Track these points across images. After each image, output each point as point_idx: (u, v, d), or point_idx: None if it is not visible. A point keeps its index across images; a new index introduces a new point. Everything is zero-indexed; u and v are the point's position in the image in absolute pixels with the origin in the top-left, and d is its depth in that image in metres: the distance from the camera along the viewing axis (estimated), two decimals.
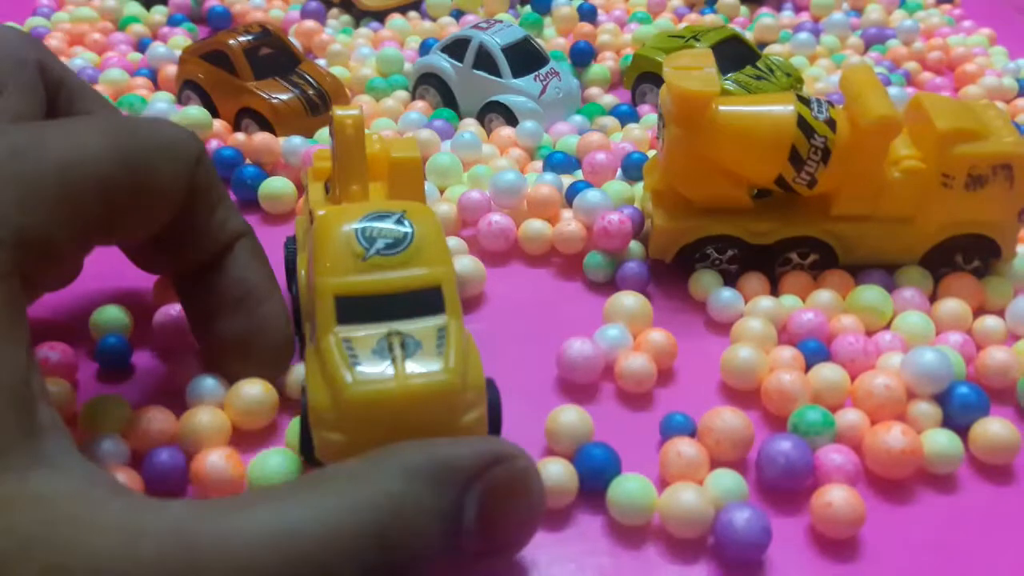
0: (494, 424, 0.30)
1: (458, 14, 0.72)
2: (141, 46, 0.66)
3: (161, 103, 0.54)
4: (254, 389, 0.34)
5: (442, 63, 0.57)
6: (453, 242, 0.44)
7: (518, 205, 0.46)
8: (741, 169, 0.41)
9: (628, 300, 0.40)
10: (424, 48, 0.63)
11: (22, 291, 0.26)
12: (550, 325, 0.41)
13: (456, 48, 0.57)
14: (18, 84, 0.33)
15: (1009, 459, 0.34)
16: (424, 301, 0.30)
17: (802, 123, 0.39)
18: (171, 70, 0.59)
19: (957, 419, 0.35)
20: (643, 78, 0.59)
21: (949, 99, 0.44)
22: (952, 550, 0.31)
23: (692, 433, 0.34)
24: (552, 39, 0.68)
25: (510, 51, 0.56)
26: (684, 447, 0.32)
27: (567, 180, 0.48)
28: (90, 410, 0.33)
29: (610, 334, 0.38)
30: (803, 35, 0.68)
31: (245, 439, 0.35)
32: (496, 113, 0.56)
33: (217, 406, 0.34)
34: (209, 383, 0.35)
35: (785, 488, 0.33)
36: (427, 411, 0.27)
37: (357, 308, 0.29)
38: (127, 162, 0.29)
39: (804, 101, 0.40)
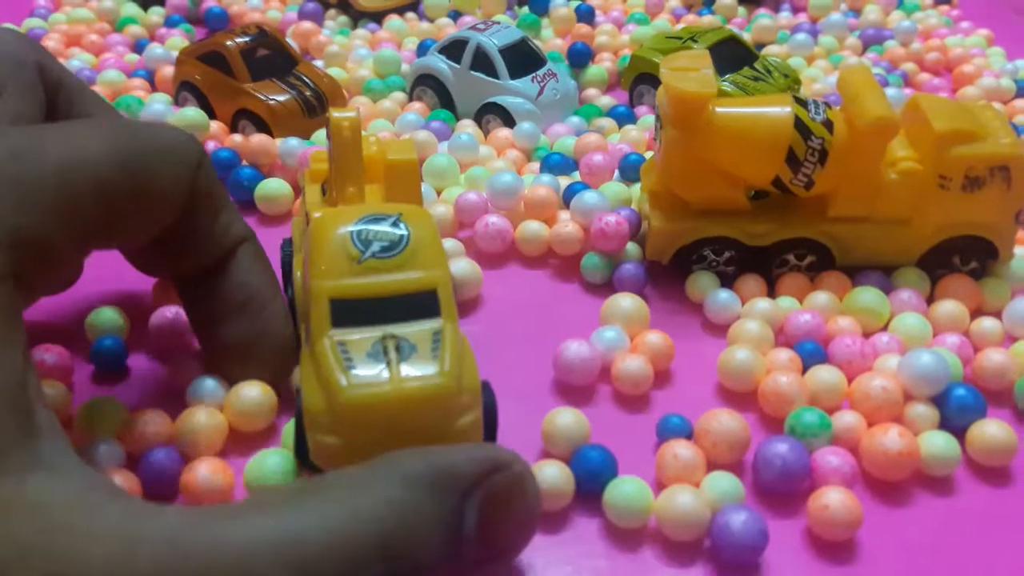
0: (490, 427, 0.30)
1: (456, 15, 0.72)
2: (138, 47, 0.66)
3: (158, 104, 0.54)
4: (253, 391, 0.34)
5: (439, 64, 0.57)
6: (450, 244, 0.44)
7: (515, 206, 0.46)
8: (738, 171, 0.41)
9: (625, 302, 0.40)
10: (421, 49, 0.63)
11: (18, 294, 0.26)
12: (547, 327, 0.41)
13: (453, 49, 0.57)
14: (17, 85, 0.33)
15: (1006, 461, 0.34)
16: (419, 304, 0.29)
17: (799, 125, 0.39)
18: (168, 71, 0.59)
19: (954, 421, 0.35)
20: (640, 79, 0.59)
21: (946, 100, 0.44)
22: (949, 552, 0.31)
23: (689, 435, 0.34)
24: (550, 40, 0.68)
25: (507, 52, 0.56)
26: (681, 449, 0.32)
27: (564, 181, 0.48)
28: (86, 412, 0.33)
29: (607, 336, 0.38)
30: (801, 36, 0.68)
31: (244, 441, 0.35)
32: (493, 114, 0.56)
33: (217, 407, 0.34)
34: (210, 385, 0.35)
35: (782, 490, 0.33)
36: (422, 414, 0.27)
37: (352, 311, 0.29)
38: (126, 165, 0.29)
39: (801, 103, 0.40)
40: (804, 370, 0.37)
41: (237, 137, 0.52)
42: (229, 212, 0.34)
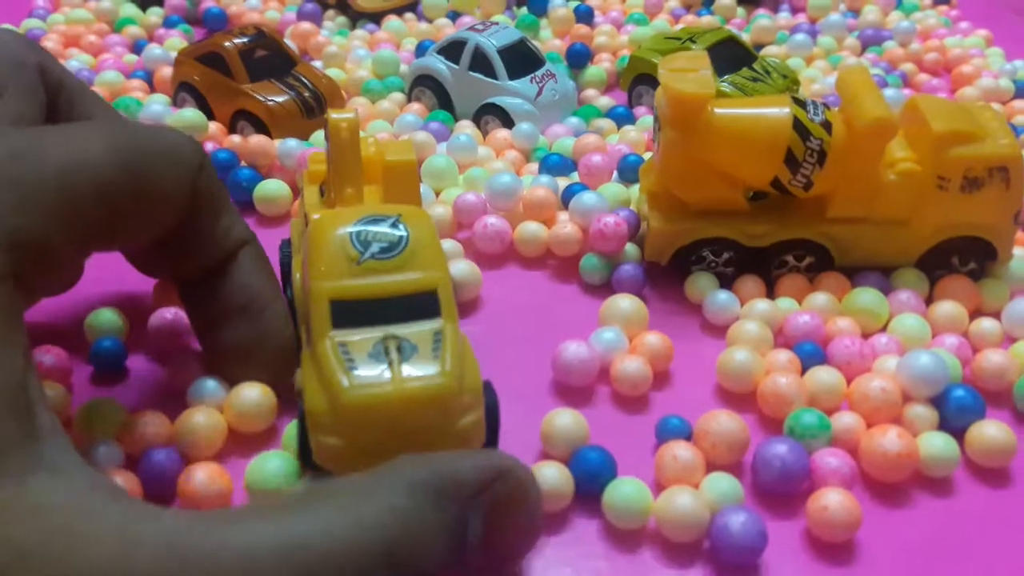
0: (491, 427, 0.30)
1: (454, 16, 0.72)
2: (137, 48, 0.66)
3: (156, 105, 0.54)
4: (253, 392, 0.34)
5: (438, 65, 0.57)
6: (449, 245, 0.44)
7: (514, 207, 0.46)
8: (737, 171, 0.41)
9: (624, 303, 0.40)
10: (420, 50, 0.63)
11: (19, 294, 0.26)
12: (546, 328, 0.41)
13: (452, 50, 0.57)
14: (18, 87, 0.34)
15: (1005, 462, 0.34)
16: (420, 305, 0.30)
17: (798, 125, 0.39)
18: (167, 72, 0.59)
19: (953, 422, 0.35)
20: (639, 80, 0.59)
21: (945, 101, 0.44)
22: (948, 553, 0.31)
23: (688, 436, 0.34)
24: (548, 41, 0.68)
25: (506, 53, 0.56)
26: (680, 450, 0.32)
27: (563, 182, 0.48)
28: (85, 414, 0.33)
29: (606, 337, 0.38)
30: (800, 36, 0.68)
31: (244, 442, 0.35)
32: (492, 115, 0.56)
33: (217, 409, 0.34)
34: (210, 385, 0.35)
35: (781, 491, 0.33)
36: (424, 415, 0.28)
37: (352, 312, 0.29)
38: (127, 167, 0.29)
39: (800, 103, 0.40)
40: (803, 371, 0.37)
41: (235, 138, 0.52)
42: (230, 214, 0.34)
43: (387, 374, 0.28)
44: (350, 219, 0.31)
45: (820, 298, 0.41)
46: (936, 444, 0.33)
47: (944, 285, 0.42)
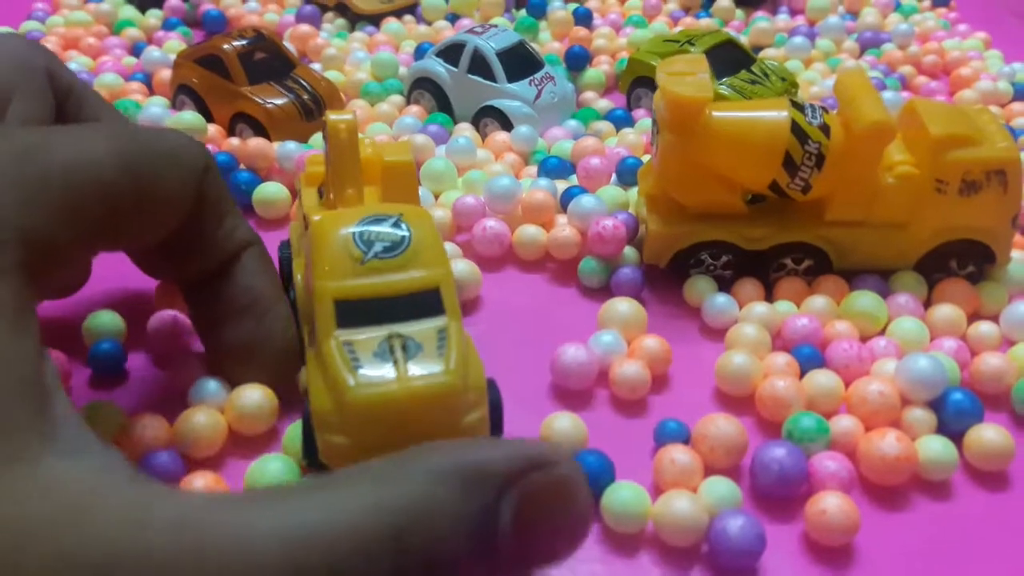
0: (496, 424, 0.30)
1: (453, 18, 0.72)
2: (136, 50, 0.66)
3: (155, 108, 0.54)
4: (254, 394, 0.34)
5: (437, 68, 0.57)
6: (448, 247, 0.43)
7: (513, 210, 0.46)
8: (735, 175, 0.41)
9: (622, 306, 0.40)
10: (419, 52, 0.63)
11: (30, 287, 0.26)
12: (544, 331, 0.41)
13: (451, 53, 0.57)
14: (28, 90, 0.34)
15: (1003, 465, 0.34)
16: (423, 303, 0.30)
17: (796, 129, 0.39)
18: (165, 74, 0.59)
19: (951, 425, 0.35)
20: (638, 82, 0.59)
21: (943, 104, 0.44)
22: (946, 557, 0.31)
23: (686, 440, 0.34)
24: (547, 43, 0.68)
25: (505, 56, 0.56)
26: (678, 454, 0.32)
27: (562, 185, 0.48)
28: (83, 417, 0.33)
29: (604, 340, 0.38)
30: (798, 39, 0.68)
31: (244, 444, 0.35)
32: (491, 118, 0.56)
33: (218, 410, 0.34)
34: (212, 387, 0.35)
35: (779, 495, 0.33)
36: (429, 412, 0.28)
37: (357, 311, 0.29)
38: (130, 168, 0.29)
39: (798, 107, 0.40)
40: (801, 374, 0.37)
41: (234, 141, 0.52)
42: (234, 216, 0.35)
43: (392, 373, 0.28)
44: (352, 219, 0.31)
45: (818, 301, 0.41)
46: (934, 448, 0.33)
47: (942, 288, 0.42)
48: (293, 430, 0.34)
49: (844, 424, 0.34)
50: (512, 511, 0.24)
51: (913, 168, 0.40)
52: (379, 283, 0.30)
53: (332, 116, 0.34)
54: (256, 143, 0.51)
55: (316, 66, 0.62)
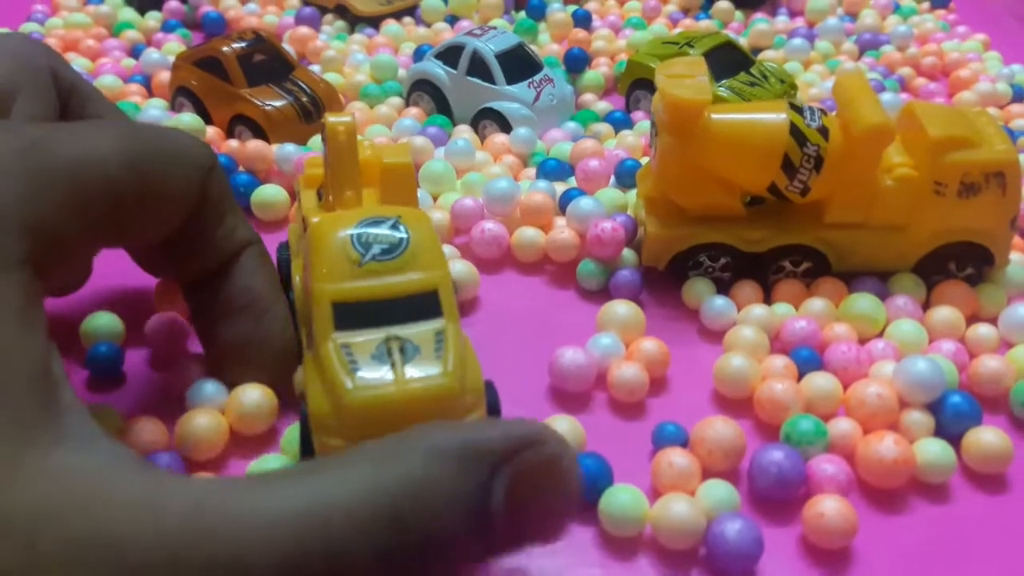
0: None
1: (452, 20, 0.72)
2: (135, 52, 0.66)
3: (154, 110, 0.54)
4: (254, 394, 0.34)
5: (436, 70, 0.57)
6: (446, 250, 0.43)
7: (511, 212, 0.46)
8: (734, 177, 0.41)
9: (621, 308, 0.40)
10: (418, 55, 0.63)
11: (36, 281, 0.26)
12: (542, 333, 0.41)
13: (450, 55, 0.57)
14: (32, 89, 0.34)
15: (1002, 468, 0.34)
16: (421, 305, 0.30)
17: (795, 131, 0.39)
18: (165, 76, 0.59)
19: (950, 428, 0.35)
20: (637, 84, 0.59)
21: (942, 107, 0.44)
22: (945, 560, 0.31)
23: (684, 443, 0.34)
24: (546, 45, 0.68)
25: (504, 58, 0.56)
26: (676, 457, 0.32)
27: (560, 187, 0.48)
28: None
29: (603, 343, 0.38)
30: (797, 41, 0.67)
31: (244, 444, 0.35)
32: (490, 120, 0.56)
33: (218, 411, 0.34)
34: (210, 388, 0.35)
35: (777, 498, 0.33)
36: (427, 415, 0.27)
37: (355, 314, 0.29)
38: (136, 164, 0.30)
39: (797, 109, 0.40)
40: (800, 377, 0.37)
41: (233, 143, 0.52)
42: (235, 216, 0.35)
43: (390, 375, 0.28)
44: (350, 221, 0.31)
45: (817, 303, 0.41)
46: (932, 450, 0.33)
47: (941, 290, 0.42)
48: (291, 432, 0.34)
49: (842, 427, 0.34)
50: (504, 489, 0.24)
51: (912, 170, 0.40)
52: (377, 285, 0.30)
53: (331, 118, 0.34)
54: (255, 145, 0.51)
55: (315, 68, 0.62)
